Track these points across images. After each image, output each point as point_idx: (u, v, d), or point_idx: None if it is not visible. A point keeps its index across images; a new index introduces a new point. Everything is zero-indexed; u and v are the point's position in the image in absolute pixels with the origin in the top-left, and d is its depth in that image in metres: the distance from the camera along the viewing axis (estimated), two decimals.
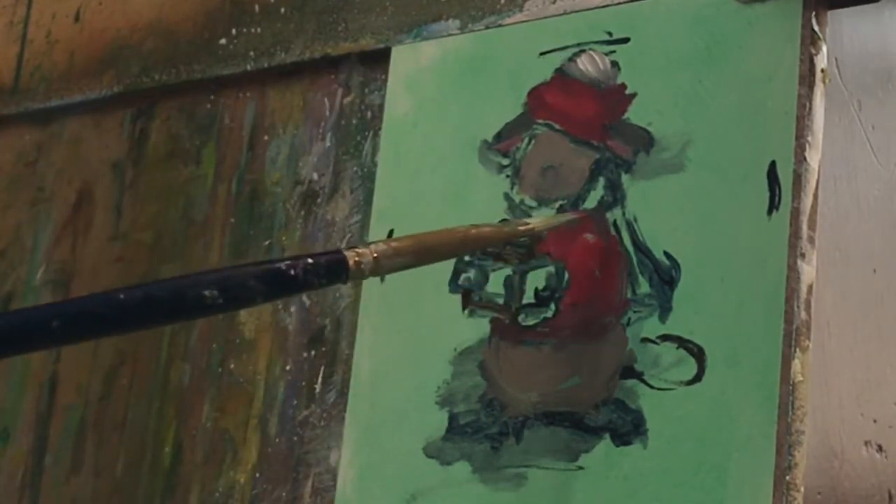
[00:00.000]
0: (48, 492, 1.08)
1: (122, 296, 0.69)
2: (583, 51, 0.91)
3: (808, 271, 0.81)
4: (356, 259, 0.76)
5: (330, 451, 0.94)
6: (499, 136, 0.93)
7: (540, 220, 0.87)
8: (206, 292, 0.70)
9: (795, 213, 0.81)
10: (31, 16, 1.20)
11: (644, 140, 0.87)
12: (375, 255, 0.77)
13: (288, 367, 0.98)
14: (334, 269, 0.75)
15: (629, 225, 0.86)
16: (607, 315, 0.86)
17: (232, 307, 0.72)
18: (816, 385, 0.81)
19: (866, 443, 0.85)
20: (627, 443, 0.83)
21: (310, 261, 0.74)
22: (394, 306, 0.94)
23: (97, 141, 1.14)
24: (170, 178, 1.09)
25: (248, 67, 1.05)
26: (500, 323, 0.90)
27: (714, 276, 0.83)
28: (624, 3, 0.90)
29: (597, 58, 0.90)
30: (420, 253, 0.81)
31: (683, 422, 0.82)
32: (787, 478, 0.78)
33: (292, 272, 0.73)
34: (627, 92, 0.89)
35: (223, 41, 1.07)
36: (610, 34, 0.90)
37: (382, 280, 0.94)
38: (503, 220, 0.88)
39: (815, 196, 0.82)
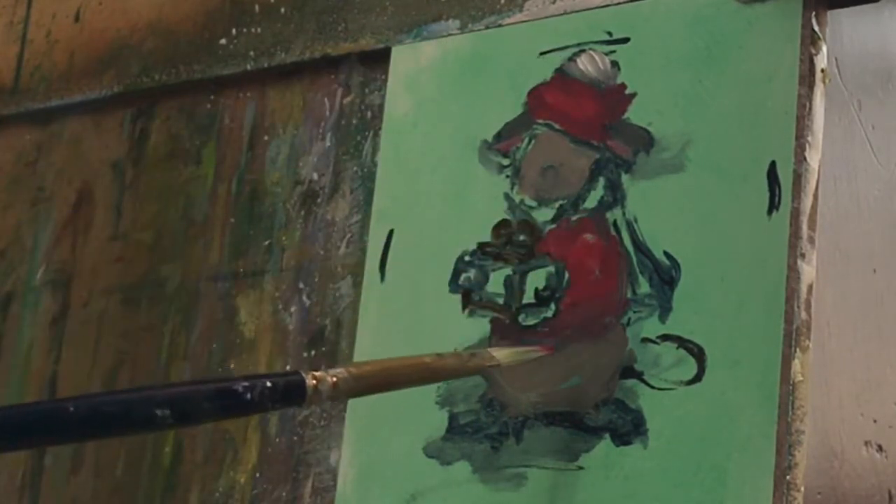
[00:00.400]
0: (48, 492, 1.08)
1: (71, 407, 0.67)
2: (583, 51, 0.91)
3: (808, 271, 0.81)
4: (314, 384, 0.74)
5: (330, 451, 0.94)
6: (499, 136, 0.93)
7: (505, 352, 0.86)
8: (158, 411, 0.68)
9: (795, 213, 0.81)
10: (31, 16, 1.20)
11: (644, 140, 0.87)
12: (335, 380, 0.75)
13: (288, 367, 0.98)
14: (291, 393, 0.73)
15: (629, 225, 0.86)
16: (607, 315, 0.86)
17: (182, 425, 0.71)
18: (816, 385, 0.81)
19: (866, 443, 0.85)
20: (627, 443, 0.83)
21: (268, 384, 0.72)
22: (394, 306, 0.94)
23: (97, 141, 1.14)
24: (170, 178, 1.09)
25: (248, 67, 1.05)
26: (500, 323, 0.90)
27: (714, 276, 0.83)
28: (624, 3, 0.90)
29: (597, 58, 0.90)
30: (380, 382, 0.80)
31: (683, 422, 0.81)
32: (787, 478, 0.78)
33: (248, 395, 0.71)
34: (627, 92, 0.89)
35: (223, 41, 1.07)
36: (610, 34, 0.90)
37: (382, 280, 0.94)
38: (471, 353, 0.86)
39: (815, 196, 0.82)
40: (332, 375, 0.75)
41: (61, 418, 0.67)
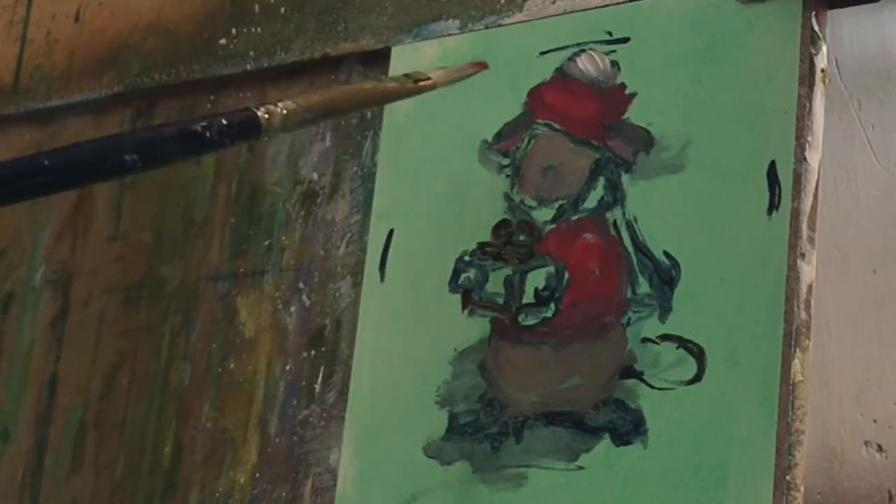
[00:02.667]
0: (48, 492, 1.08)
1: (46, 161, 0.71)
2: (583, 51, 0.91)
3: (808, 271, 0.81)
4: (266, 116, 0.77)
5: (330, 451, 0.94)
6: (499, 136, 0.93)
7: (440, 73, 0.88)
8: (127, 157, 0.72)
9: (795, 213, 0.81)
10: (31, 16, 1.20)
11: (644, 140, 0.87)
12: (285, 111, 0.78)
13: (288, 367, 0.98)
14: (247, 127, 0.77)
15: (629, 225, 0.86)
16: (607, 315, 0.86)
17: (150, 168, 0.74)
18: (816, 385, 0.81)
19: (866, 443, 0.85)
20: (627, 443, 0.83)
21: (224, 122, 0.75)
22: (394, 306, 0.94)
23: None
24: (170, 178, 1.09)
25: (248, 67, 1.05)
26: (500, 323, 0.90)
27: (714, 276, 0.83)
28: (624, 3, 0.90)
29: (597, 58, 0.90)
30: (328, 107, 0.83)
31: (683, 422, 0.82)
32: (787, 478, 0.78)
33: (207, 134, 0.75)
34: (627, 92, 0.89)
35: (223, 41, 1.07)
36: (610, 34, 0.90)
37: (382, 280, 0.94)
38: (405, 75, 0.88)
39: (815, 196, 0.82)
40: (282, 108, 0.78)
41: (38, 171, 0.70)
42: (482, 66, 0.91)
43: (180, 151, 0.75)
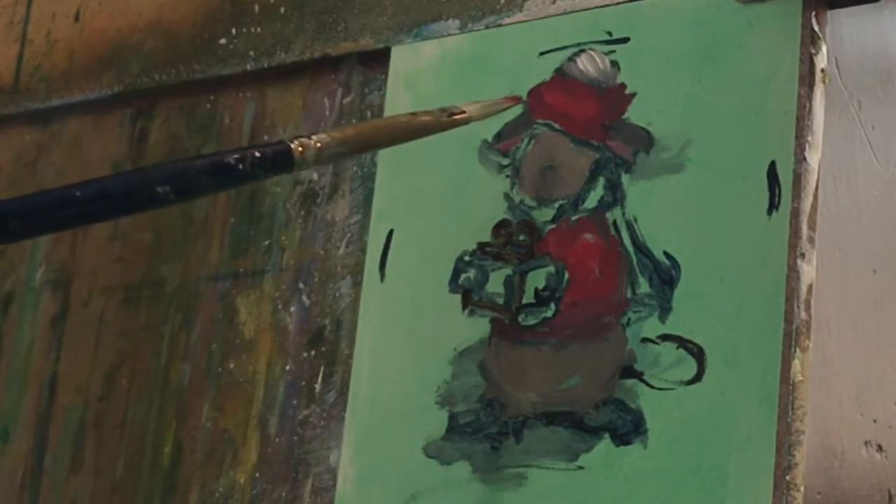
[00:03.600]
0: (48, 492, 1.08)
1: (77, 192, 0.71)
2: (583, 51, 0.91)
3: (808, 271, 0.81)
4: (300, 149, 0.77)
5: (330, 451, 0.94)
6: (499, 136, 0.93)
7: (475, 107, 0.88)
8: (159, 188, 0.72)
9: (795, 213, 0.81)
10: (31, 16, 1.20)
11: (644, 140, 0.87)
12: (319, 144, 0.78)
13: (288, 367, 0.98)
14: (280, 160, 0.77)
15: (629, 225, 0.86)
16: (607, 315, 0.86)
17: (182, 200, 0.74)
18: (816, 385, 0.81)
19: (866, 443, 0.85)
20: (627, 443, 0.83)
21: (257, 154, 0.75)
22: (394, 306, 0.94)
23: (97, 141, 1.14)
24: None
25: (248, 67, 1.05)
26: (500, 323, 0.90)
27: (714, 276, 0.83)
28: (624, 3, 0.90)
29: (597, 58, 0.90)
30: (361, 141, 0.83)
31: (683, 422, 0.82)
32: (787, 478, 0.78)
33: (241, 166, 0.75)
34: (627, 92, 0.89)
35: (223, 41, 1.07)
36: (610, 34, 0.90)
37: (382, 280, 0.94)
38: (441, 109, 0.88)
39: (815, 196, 0.82)
40: (316, 141, 0.78)
41: (70, 203, 0.70)
42: (517, 100, 0.91)
43: (213, 183, 0.75)
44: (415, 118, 0.87)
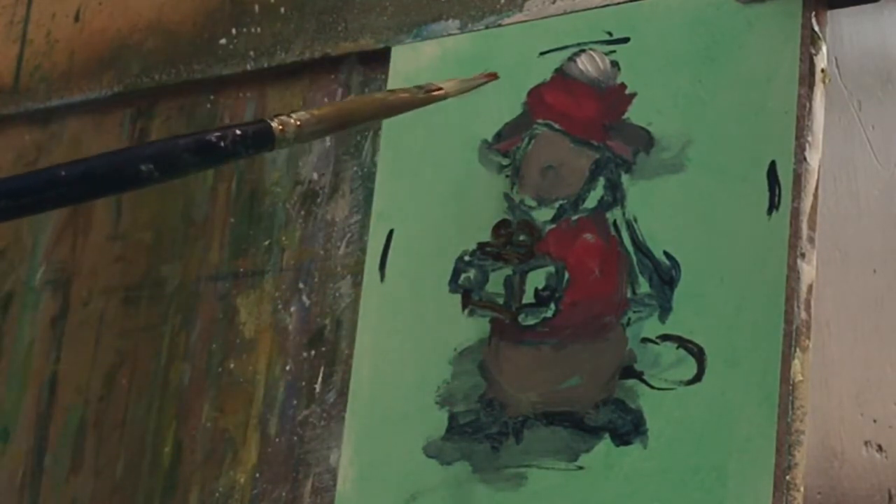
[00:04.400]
0: (48, 492, 1.08)
1: (63, 172, 0.72)
2: (583, 51, 0.91)
3: (808, 271, 0.81)
4: (280, 127, 0.78)
5: (330, 451, 0.94)
6: (499, 136, 0.93)
7: (452, 83, 0.89)
8: (143, 167, 0.73)
9: (795, 213, 0.81)
10: (31, 16, 1.20)
11: (644, 140, 0.87)
12: (299, 122, 0.79)
13: (288, 367, 0.98)
14: (261, 138, 0.78)
15: (629, 225, 0.86)
16: (607, 315, 0.86)
17: (166, 179, 0.75)
18: (816, 385, 0.81)
19: (866, 443, 0.85)
20: (627, 443, 0.83)
21: (238, 132, 0.77)
22: (394, 306, 0.94)
23: (97, 141, 1.14)
24: None
25: (248, 67, 1.05)
26: (500, 323, 0.90)
27: (714, 276, 0.83)
28: (624, 3, 0.90)
29: (597, 58, 0.90)
30: (340, 118, 0.83)
31: (683, 422, 0.82)
32: (787, 478, 0.78)
33: (222, 143, 0.76)
34: (627, 92, 0.89)
35: (223, 41, 1.07)
36: (610, 34, 0.90)
37: (382, 280, 0.94)
38: (417, 86, 0.88)
39: (815, 196, 0.82)
40: (295, 119, 0.79)
41: (55, 182, 0.72)
42: (493, 76, 0.91)
43: (196, 161, 0.76)
44: (392, 94, 0.88)
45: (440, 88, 0.88)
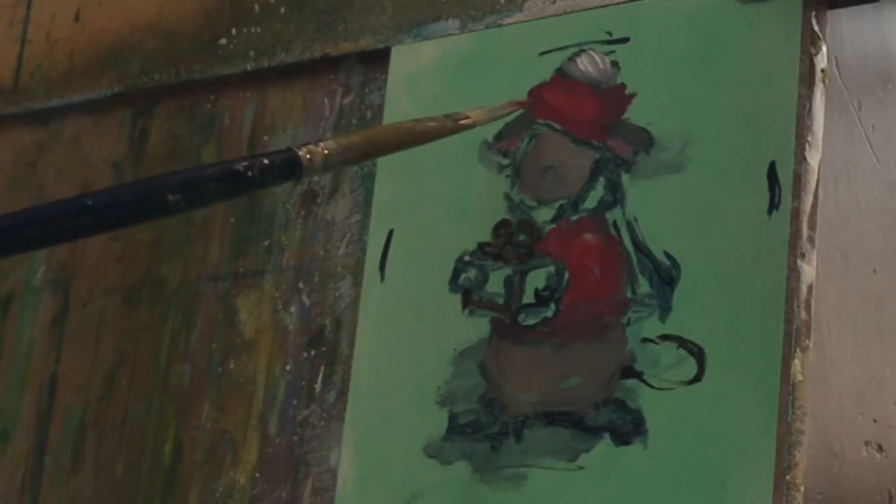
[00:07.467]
0: (48, 492, 1.08)
1: (89, 202, 0.71)
2: (583, 51, 0.91)
3: (808, 271, 0.81)
4: (308, 156, 0.78)
5: (330, 451, 0.94)
6: (499, 136, 0.93)
7: (479, 111, 0.89)
8: (170, 196, 0.73)
9: (795, 213, 0.81)
10: (31, 16, 1.20)
11: (644, 140, 0.87)
12: (326, 151, 0.79)
13: (288, 367, 0.98)
14: (289, 167, 0.78)
15: (629, 225, 0.86)
16: (607, 315, 0.86)
17: (193, 208, 0.75)
18: (816, 385, 0.81)
19: (866, 443, 0.85)
20: (627, 443, 0.83)
21: (265, 161, 0.76)
22: (394, 306, 0.94)
23: (97, 141, 1.14)
24: None
25: (248, 67, 1.05)
26: (500, 323, 0.90)
27: (714, 276, 0.83)
28: (624, 2, 0.90)
29: (597, 58, 0.90)
30: (368, 148, 0.84)
31: (683, 422, 0.82)
32: (787, 478, 0.78)
33: (249, 173, 0.75)
34: (627, 92, 0.89)
35: (223, 41, 1.07)
36: (610, 34, 0.90)
37: (382, 280, 0.94)
38: (445, 115, 0.89)
39: (815, 196, 0.82)
40: (323, 148, 0.79)
41: (82, 212, 0.71)
42: (522, 104, 0.91)
43: (222, 191, 0.75)
44: (420, 123, 0.88)
45: (468, 117, 0.88)
